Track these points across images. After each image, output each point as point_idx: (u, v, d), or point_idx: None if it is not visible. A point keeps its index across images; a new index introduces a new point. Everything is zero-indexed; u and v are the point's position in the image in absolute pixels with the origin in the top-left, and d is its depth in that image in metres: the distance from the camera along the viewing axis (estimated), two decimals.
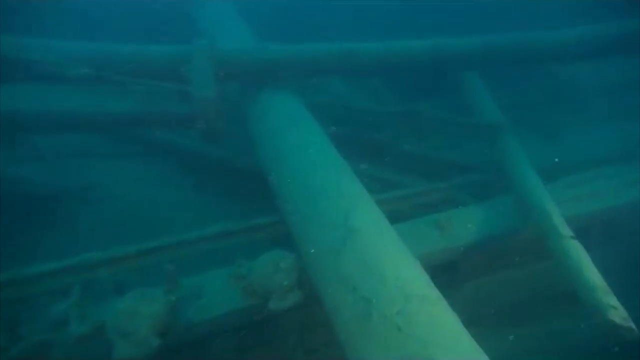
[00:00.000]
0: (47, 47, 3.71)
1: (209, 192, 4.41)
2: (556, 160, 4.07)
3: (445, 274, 3.19)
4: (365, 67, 4.21)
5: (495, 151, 3.98)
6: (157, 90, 3.78)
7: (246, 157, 4.16)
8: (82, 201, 4.65)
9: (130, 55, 3.55)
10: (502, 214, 3.36)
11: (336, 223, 2.50)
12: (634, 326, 2.40)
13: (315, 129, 3.49)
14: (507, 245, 3.24)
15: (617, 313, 2.41)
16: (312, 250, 2.49)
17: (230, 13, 5.43)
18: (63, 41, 3.85)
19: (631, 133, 4.73)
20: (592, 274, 2.55)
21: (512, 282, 3.38)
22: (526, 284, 3.40)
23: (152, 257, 2.92)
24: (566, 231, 2.79)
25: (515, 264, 3.36)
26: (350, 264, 2.25)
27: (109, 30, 5.23)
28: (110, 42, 3.81)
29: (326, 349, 3.11)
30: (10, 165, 4.64)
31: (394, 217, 2.85)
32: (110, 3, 5.95)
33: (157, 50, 3.66)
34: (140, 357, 2.36)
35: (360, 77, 5.63)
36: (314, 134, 3.39)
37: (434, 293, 2.09)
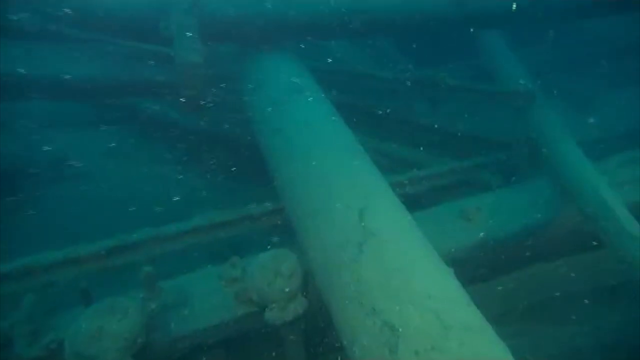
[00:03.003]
0: None
1: (195, 170, 3.90)
2: None
3: (472, 268, 2.74)
4: (379, 26, 3.59)
5: (526, 124, 3.43)
6: (132, 53, 3.18)
7: (239, 131, 3.61)
8: (52, 178, 4.16)
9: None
10: (539, 200, 2.87)
11: (350, 222, 2.01)
12: None
13: (322, 99, 2.95)
14: (544, 237, 2.77)
15: None
16: (320, 257, 2.02)
17: None
18: None
19: None
20: None
21: (548, 276, 2.92)
22: (564, 277, 2.94)
23: (125, 255, 2.45)
24: (637, 230, 2.28)
25: (552, 256, 2.89)
26: (368, 278, 1.78)
27: None
28: None
29: (332, 355, 2.71)
30: None
31: (407, 204, 2.37)
32: None
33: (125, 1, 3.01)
34: None
35: (372, 37, 4.97)
36: (321, 106, 2.86)
37: (477, 319, 1.63)
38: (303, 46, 4.01)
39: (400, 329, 1.57)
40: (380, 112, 4.47)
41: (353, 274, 1.84)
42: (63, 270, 2.29)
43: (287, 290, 2.19)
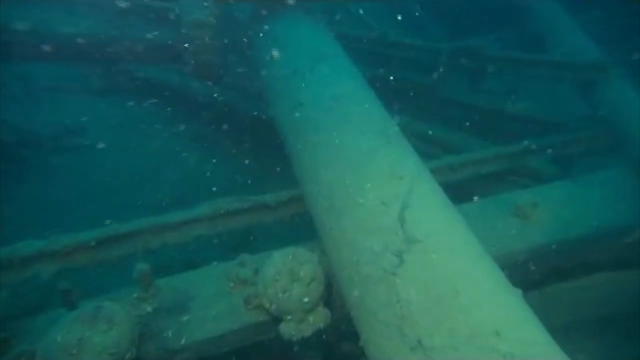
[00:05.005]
0: None
1: (206, 144, 3.51)
2: None
3: (524, 274, 2.30)
4: None
5: (596, 101, 2.88)
6: (134, 11, 2.76)
7: (253, 103, 3.18)
8: (58, 149, 3.86)
9: None
10: (614, 194, 2.37)
11: (387, 222, 1.60)
12: None
13: (351, 70, 2.49)
14: (621, 241, 2.29)
15: None
16: (347, 264, 1.62)
17: None
18: None
19: None
20: None
21: (619, 286, 2.45)
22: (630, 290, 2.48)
23: (118, 248, 2.10)
24: None
25: (627, 264, 2.41)
26: (412, 298, 1.38)
27: None
28: None
29: None
30: None
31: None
32: None
33: None
34: None
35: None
36: (349, 77, 2.40)
37: None
38: (329, 10, 3.54)
39: None
40: (413, 88, 3.97)
41: (391, 291, 1.44)
42: (44, 264, 1.96)
43: (305, 300, 1.81)
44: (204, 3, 2.62)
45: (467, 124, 3.56)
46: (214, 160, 3.42)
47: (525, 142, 2.99)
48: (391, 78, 3.83)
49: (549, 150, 2.91)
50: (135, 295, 1.95)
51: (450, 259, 1.47)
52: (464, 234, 1.60)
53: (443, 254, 1.48)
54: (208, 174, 3.13)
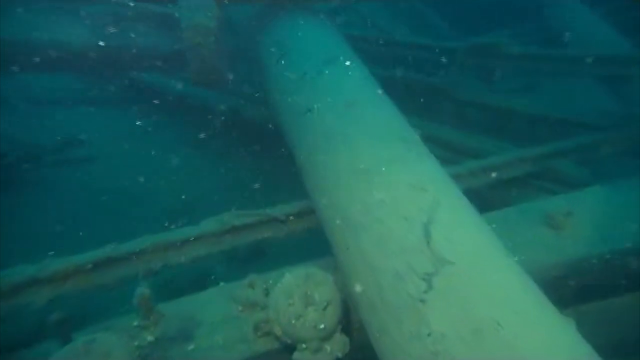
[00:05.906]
0: None
1: (210, 152, 3.36)
2: None
3: (559, 291, 2.10)
4: None
5: (629, 97, 2.68)
6: (132, 15, 2.63)
7: (258, 109, 3.03)
8: (58, 163, 3.75)
9: None
10: None
11: (411, 240, 1.42)
12: None
13: (363, 72, 2.32)
14: None
15: None
16: (367, 287, 1.44)
17: None
18: None
19: None
20: None
21: None
22: None
23: (117, 270, 1.94)
24: None
25: None
26: (445, 330, 1.21)
27: None
28: None
29: None
30: None
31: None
32: None
33: None
34: None
35: None
36: (362, 80, 2.23)
37: None
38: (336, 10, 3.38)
39: None
40: (427, 89, 3.79)
41: (420, 321, 1.26)
42: (37, 291, 1.81)
43: (321, 326, 1.64)
44: (206, 5, 2.47)
45: (485, 125, 3.38)
46: (219, 171, 3.27)
47: (551, 144, 2.80)
48: (403, 80, 3.65)
49: (577, 152, 2.71)
50: (135, 323, 1.79)
51: (488, 283, 1.28)
52: (499, 253, 1.42)
53: (479, 277, 1.30)
54: (212, 184, 2.98)
